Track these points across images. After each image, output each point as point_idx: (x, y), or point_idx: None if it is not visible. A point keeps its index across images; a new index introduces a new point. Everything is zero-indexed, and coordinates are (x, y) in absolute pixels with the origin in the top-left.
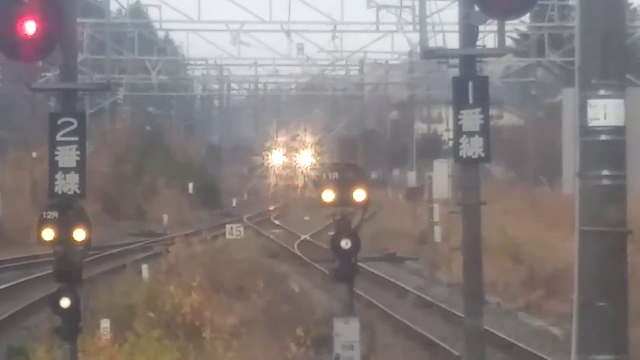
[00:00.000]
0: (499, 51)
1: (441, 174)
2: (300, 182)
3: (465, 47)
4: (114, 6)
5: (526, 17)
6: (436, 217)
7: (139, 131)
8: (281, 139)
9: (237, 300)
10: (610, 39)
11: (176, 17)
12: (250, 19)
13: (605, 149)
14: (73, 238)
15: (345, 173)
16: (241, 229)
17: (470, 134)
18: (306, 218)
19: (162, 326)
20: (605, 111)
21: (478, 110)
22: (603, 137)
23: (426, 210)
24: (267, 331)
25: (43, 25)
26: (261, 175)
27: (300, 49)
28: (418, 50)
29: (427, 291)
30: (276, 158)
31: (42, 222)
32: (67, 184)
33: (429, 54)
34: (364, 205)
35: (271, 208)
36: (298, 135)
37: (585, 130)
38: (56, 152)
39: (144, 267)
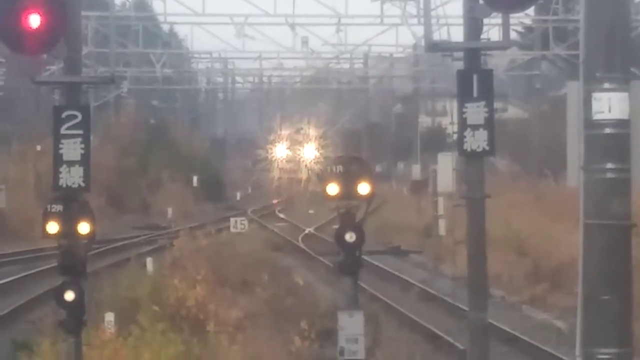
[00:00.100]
0: (504, 44)
1: (445, 167)
2: (304, 175)
3: (469, 40)
4: None
5: (531, 10)
6: (440, 211)
7: (143, 124)
8: (285, 132)
9: (242, 294)
10: (615, 33)
11: (181, 10)
12: (254, 12)
13: (610, 142)
14: (77, 231)
15: (349, 166)
16: (245, 222)
17: (475, 127)
18: (311, 211)
19: (167, 319)
20: (609, 104)
21: (482, 103)
22: (607, 130)
23: (430, 204)
24: (271, 324)
25: (47, 18)
26: (265, 169)
27: (305, 42)
28: (422, 43)
29: (432, 284)
30: (280, 151)
31: (47, 216)
32: (72, 177)
33: (434, 47)
34: (369, 198)
35: (274, 201)
36: (302, 128)
37: (590, 124)
38: (60, 145)
39: (149, 261)
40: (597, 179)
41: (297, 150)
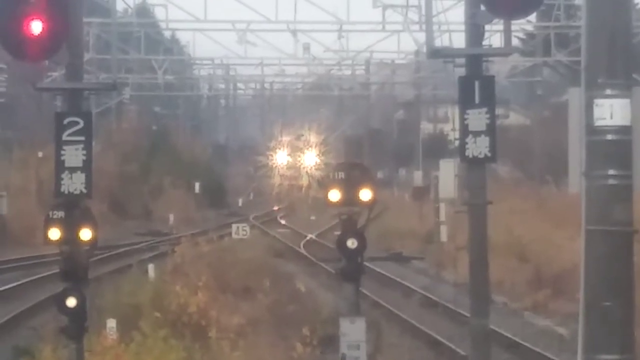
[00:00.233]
0: (505, 51)
1: (447, 173)
2: (304, 182)
3: (471, 47)
4: (120, 6)
5: (532, 17)
6: (442, 217)
7: (145, 131)
8: (285, 138)
9: (244, 300)
10: (617, 39)
11: (182, 16)
12: (256, 18)
13: (612, 149)
14: (79, 237)
15: (351, 172)
16: (247, 228)
17: (477, 134)
18: (312, 217)
19: (169, 326)
20: (611, 111)
21: (484, 109)
22: (609, 136)
23: (432, 210)
24: (273, 331)
25: (49, 25)
26: (265, 175)
27: (307, 48)
28: (424, 49)
29: (433, 291)
30: (280, 158)
31: (48, 222)
32: (74, 183)
33: (435, 53)
34: (370, 204)
35: (275, 208)
36: (302, 135)
37: (592, 130)
38: (62, 152)
39: (150, 267)
40: (599, 185)
41: (298, 156)
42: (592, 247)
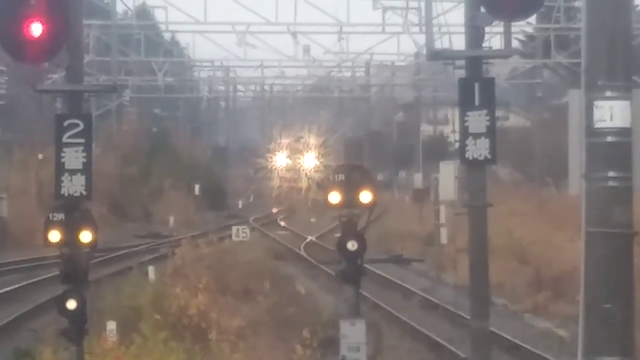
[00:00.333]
0: (505, 52)
1: (447, 175)
2: (304, 184)
3: (471, 49)
4: (120, 8)
5: (532, 19)
6: (442, 219)
7: (145, 133)
8: (285, 140)
9: (244, 302)
10: (617, 41)
11: (182, 18)
12: (256, 20)
13: (612, 151)
14: (79, 240)
15: (351, 175)
16: (247, 230)
17: (477, 136)
18: (312, 220)
19: (169, 328)
20: (611, 113)
21: (484, 111)
22: (609, 138)
23: (432, 212)
24: (273, 333)
25: (49, 27)
26: (265, 178)
27: (307, 50)
28: (424, 51)
29: (433, 293)
30: (280, 160)
31: (49, 224)
32: (74, 185)
33: (435, 55)
34: (370, 206)
35: (274, 210)
36: (302, 137)
37: (592, 132)
38: (62, 154)
39: (151, 269)
40: (599, 187)
41: (297, 158)
42: (592, 249)
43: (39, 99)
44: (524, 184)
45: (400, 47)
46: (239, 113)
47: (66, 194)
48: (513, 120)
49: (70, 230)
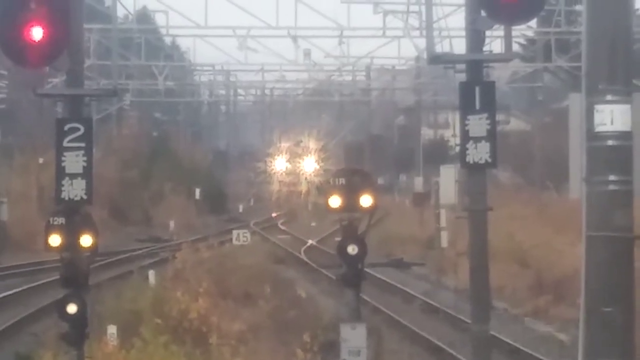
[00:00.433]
0: (506, 56)
1: (448, 179)
2: (303, 188)
3: (472, 53)
4: (120, 12)
5: (533, 23)
6: (443, 223)
7: (145, 137)
8: (284, 144)
9: (244, 306)
10: (617, 45)
11: (183, 23)
12: (257, 24)
13: (612, 154)
14: (80, 244)
15: (352, 178)
16: (248, 234)
17: (477, 140)
18: (313, 224)
19: (169, 332)
20: (612, 116)
21: (485, 115)
22: (610, 142)
23: (433, 216)
24: (274, 337)
25: (50, 31)
26: (264, 182)
27: (307, 54)
28: (425, 55)
29: (434, 297)
30: (279, 164)
31: (49, 228)
32: (74, 189)
33: (436, 59)
34: (371, 210)
35: (274, 215)
36: (301, 141)
37: (592, 136)
38: (63, 158)
39: (151, 273)
40: (600, 191)
41: (297, 163)
42: (592, 252)
43: (40, 103)
44: (524, 188)
45: (401, 51)
46: (240, 117)
47: (67, 198)
48: (514, 124)
49: (71, 234)
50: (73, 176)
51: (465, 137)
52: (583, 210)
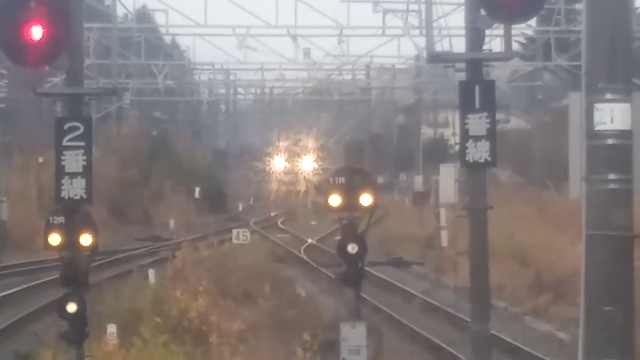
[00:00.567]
0: (506, 55)
1: (448, 178)
2: (302, 187)
3: (471, 51)
4: (120, 11)
5: (533, 21)
6: (443, 222)
7: (145, 136)
8: (283, 143)
9: (244, 305)
10: (617, 43)
11: (183, 22)
12: (256, 23)
13: (612, 153)
14: (79, 243)
15: (351, 177)
16: (248, 233)
17: (477, 138)
18: (313, 222)
19: (169, 331)
20: (612, 115)
21: (484, 114)
22: (610, 141)
23: (433, 215)
24: (273, 336)
25: (49, 31)
26: (263, 181)
27: (307, 53)
28: (424, 54)
29: (434, 295)
30: (278, 163)
31: (49, 227)
32: (74, 188)
33: (436, 58)
34: (371, 209)
35: (272, 214)
36: (300, 140)
37: (592, 134)
38: (63, 157)
39: (151, 272)
40: (600, 190)
41: (296, 162)
42: (592, 251)
43: (39, 102)
44: (524, 187)
45: (401, 49)
46: (239, 116)
47: (66, 197)
48: (513, 122)
49: (71, 234)
50: (73, 175)
51: (465, 136)
52: (583, 209)
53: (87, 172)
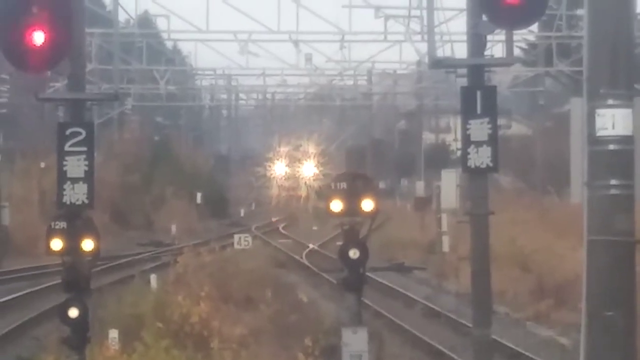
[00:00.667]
0: (507, 61)
1: (449, 183)
2: (303, 192)
3: (473, 57)
4: (122, 16)
5: (534, 27)
6: (444, 227)
7: (147, 141)
8: (284, 149)
9: (246, 310)
10: (619, 49)
11: (184, 27)
12: (258, 29)
13: (614, 159)
14: (81, 248)
15: (353, 183)
16: (249, 239)
17: (479, 144)
18: (314, 228)
19: (171, 336)
20: (613, 121)
21: (486, 120)
22: (611, 146)
23: (434, 220)
24: (275, 341)
25: (51, 36)
26: (264, 186)
27: (309, 59)
28: (426, 60)
29: (435, 301)
30: (278, 169)
31: (51, 232)
32: (76, 194)
33: (437, 63)
34: (372, 215)
35: (274, 219)
36: (301, 145)
37: (594, 140)
38: (64, 162)
39: (153, 277)
40: (601, 195)
41: (297, 167)
42: (594, 257)
43: (41, 107)
44: (526, 192)
45: (402, 55)
46: (241, 121)
47: (68, 202)
48: (515, 128)
49: (73, 239)
50: (74, 180)
51: (467, 141)
52: (584, 215)
53: (89, 177)
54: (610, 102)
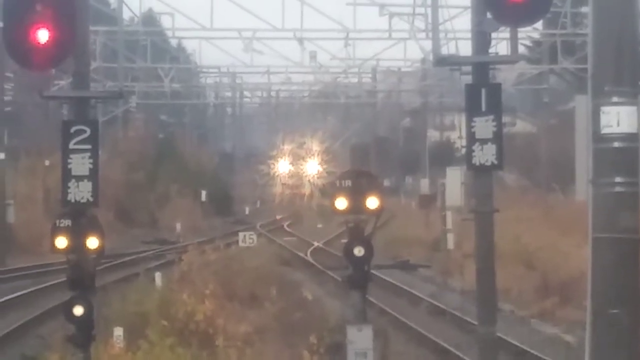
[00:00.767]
0: (512, 58)
1: (454, 181)
2: (307, 190)
3: (478, 55)
4: (126, 14)
5: (539, 24)
6: (449, 225)
7: (151, 139)
8: (287, 147)
9: (250, 308)
10: (623, 46)
11: (189, 25)
12: (262, 26)
13: (619, 156)
14: (86, 246)
15: (358, 180)
16: (254, 236)
17: (483, 141)
18: (319, 225)
19: (176, 334)
20: (618, 118)
21: (491, 117)
22: (616, 144)
23: (439, 218)
24: (280, 339)
25: (56, 34)
26: (268, 184)
27: (313, 56)
28: (431, 57)
29: (440, 298)
30: (282, 167)
31: (55, 230)
32: (80, 192)
33: (442, 61)
34: (377, 212)
35: (277, 217)
36: (304, 143)
37: (598, 137)
38: (69, 160)
39: (157, 275)
40: (606, 192)
41: (300, 165)
42: (599, 254)
43: (46, 105)
44: (530, 190)
45: (407, 53)
46: (246, 119)
47: (73, 200)
48: (520, 125)
49: (77, 237)
50: (79, 178)
51: (472, 139)
52: (589, 212)
53: (93, 175)
54: (615, 99)
